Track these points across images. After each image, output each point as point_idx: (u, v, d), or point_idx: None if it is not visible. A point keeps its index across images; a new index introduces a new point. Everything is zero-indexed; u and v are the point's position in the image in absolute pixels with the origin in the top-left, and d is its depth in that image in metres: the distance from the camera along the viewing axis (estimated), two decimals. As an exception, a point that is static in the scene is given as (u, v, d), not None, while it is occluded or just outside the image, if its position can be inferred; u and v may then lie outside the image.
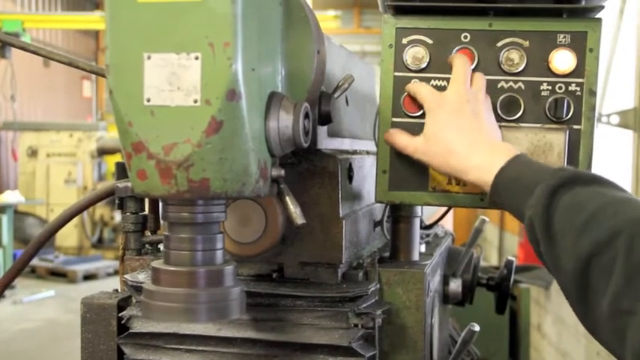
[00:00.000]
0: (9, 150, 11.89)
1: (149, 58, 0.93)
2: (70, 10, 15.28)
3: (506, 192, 1.09)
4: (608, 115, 4.61)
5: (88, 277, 9.74)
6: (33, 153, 11.41)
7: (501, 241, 8.19)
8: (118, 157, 11.61)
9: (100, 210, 11.13)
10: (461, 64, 1.21)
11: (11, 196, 9.41)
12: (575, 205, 0.97)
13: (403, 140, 1.22)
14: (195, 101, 0.92)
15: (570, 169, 1.05)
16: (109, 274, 10.01)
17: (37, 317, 7.72)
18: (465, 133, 1.16)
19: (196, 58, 0.91)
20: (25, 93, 12.82)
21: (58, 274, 9.66)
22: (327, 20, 9.94)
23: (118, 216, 11.08)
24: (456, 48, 1.25)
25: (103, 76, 1.28)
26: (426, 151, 1.19)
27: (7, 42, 1.30)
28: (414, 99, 1.24)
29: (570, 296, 0.97)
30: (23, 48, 1.30)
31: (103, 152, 11.50)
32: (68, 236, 10.75)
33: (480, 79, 1.22)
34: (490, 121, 1.20)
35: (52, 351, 6.59)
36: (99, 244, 11.30)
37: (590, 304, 0.92)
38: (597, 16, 1.25)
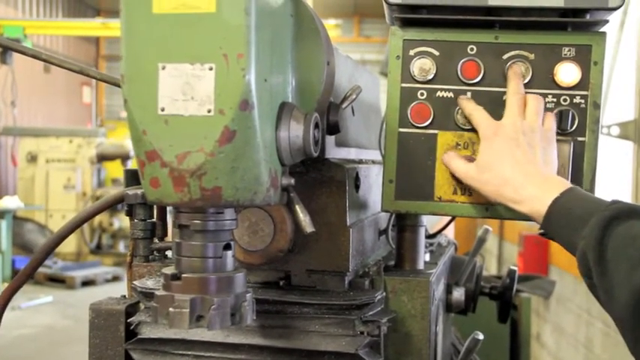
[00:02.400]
0: (8, 155, 11.89)
1: (164, 68, 0.94)
2: (71, 16, 15.32)
3: (558, 223, 1.10)
4: (609, 127, 4.64)
5: (87, 283, 9.73)
6: (32, 158, 11.42)
7: (501, 250, 8.19)
8: (117, 164, 11.55)
9: (99, 216, 11.12)
10: (516, 92, 1.21)
11: (10, 202, 9.41)
12: (631, 238, 0.99)
13: (455, 164, 1.23)
14: (209, 111, 0.93)
15: (625, 202, 1.06)
16: (107, 281, 10.00)
17: (34, 323, 7.71)
18: (520, 165, 1.16)
19: (210, 69, 0.93)
20: (25, 98, 12.83)
21: (57, 280, 9.64)
22: (328, 29, 9.94)
23: (117, 222, 11.08)
24: (462, 60, 1.26)
25: (114, 84, 1.30)
26: (478, 178, 1.19)
27: (18, 50, 1.32)
28: (424, 110, 1.26)
29: (625, 326, 0.98)
30: (35, 56, 1.32)
31: (102, 158, 11.51)
32: (67, 242, 10.60)
33: (535, 103, 1.21)
34: (547, 153, 1.19)
35: (50, 357, 6.58)
36: (97, 250, 11.29)
37: None
38: (601, 29, 1.27)
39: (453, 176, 1.26)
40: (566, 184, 1.14)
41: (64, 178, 11.26)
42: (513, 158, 1.17)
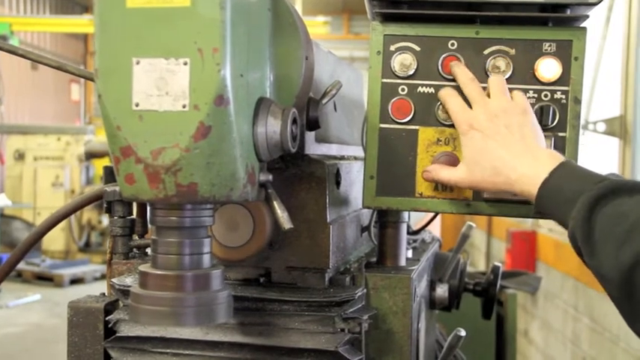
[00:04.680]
0: (-4, 153, 11.81)
1: (138, 62, 0.93)
2: (58, 13, 15.22)
3: (550, 204, 1.09)
4: (595, 123, 4.66)
5: (75, 281, 9.68)
6: (20, 156, 11.34)
7: (489, 246, 8.22)
8: (106, 161, 11.59)
9: (88, 214, 11.07)
10: (467, 82, 1.20)
11: (-3, 200, 9.35)
12: (617, 215, 0.98)
13: (445, 174, 1.21)
14: (184, 106, 0.92)
15: (613, 178, 1.05)
16: (95, 279, 9.95)
17: (22, 321, 7.66)
18: (505, 149, 1.15)
19: (185, 64, 0.92)
20: (12, 95, 12.74)
21: (45, 279, 9.58)
22: (317, 26, 9.97)
23: (105, 220, 11.02)
24: (443, 55, 1.26)
25: (92, 80, 1.28)
26: (471, 178, 1.18)
27: (-5, 45, 1.30)
28: (405, 106, 1.25)
29: (617, 303, 0.99)
30: (12, 52, 1.30)
31: (90, 156, 11.39)
32: (55, 240, 10.68)
33: (497, 82, 1.20)
34: (525, 125, 1.17)
35: (38, 355, 6.55)
36: (86, 248, 11.23)
37: (637, 311, 0.95)
38: (582, 25, 1.27)
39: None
40: (556, 159, 1.12)
41: (52, 176, 11.19)
42: (496, 144, 1.16)
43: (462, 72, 1.22)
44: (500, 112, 1.17)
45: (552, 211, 1.10)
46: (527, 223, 6.16)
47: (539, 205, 1.11)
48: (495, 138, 1.16)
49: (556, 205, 1.08)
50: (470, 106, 1.20)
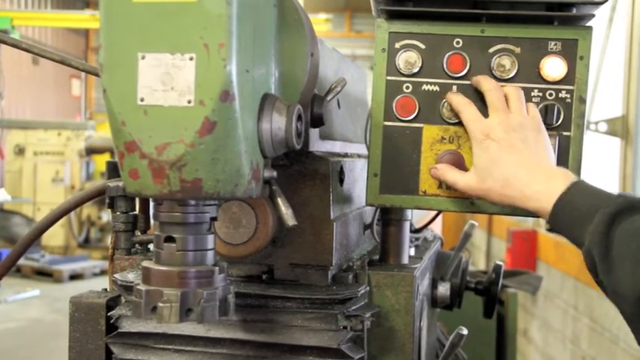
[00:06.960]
0: (-4, 148, 11.80)
1: (143, 57, 0.93)
2: (60, 8, 15.21)
3: (564, 220, 1.09)
4: (597, 123, 4.65)
5: (74, 276, 9.68)
6: (20, 151, 11.33)
7: (489, 245, 8.22)
8: (106, 157, 11.53)
9: (87, 210, 11.07)
10: (491, 88, 1.20)
11: (-3, 195, 9.34)
12: (634, 232, 0.98)
13: (452, 176, 1.20)
14: (189, 102, 0.92)
15: (629, 195, 1.05)
16: (95, 274, 9.96)
17: (21, 317, 7.67)
18: (520, 163, 1.14)
19: (191, 59, 0.92)
20: (13, 90, 12.73)
21: (44, 274, 9.59)
22: (318, 23, 9.95)
23: (105, 216, 11.03)
24: (448, 53, 1.26)
25: (95, 74, 1.28)
26: (480, 186, 1.17)
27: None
28: (409, 104, 1.25)
29: (630, 321, 0.99)
30: (15, 45, 1.30)
31: (91, 151, 11.44)
32: (54, 235, 10.68)
33: (516, 94, 1.20)
34: (539, 141, 1.17)
35: (37, 351, 6.55)
36: (85, 243, 11.23)
37: None
38: (588, 24, 1.27)
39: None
40: (569, 177, 1.12)
41: (53, 171, 11.18)
42: (511, 158, 1.15)
43: (488, 80, 1.22)
44: (518, 127, 1.17)
45: (567, 227, 1.09)
46: (527, 223, 6.16)
47: (554, 222, 1.11)
48: (510, 151, 1.16)
49: (571, 220, 1.08)
50: (482, 111, 1.20)
